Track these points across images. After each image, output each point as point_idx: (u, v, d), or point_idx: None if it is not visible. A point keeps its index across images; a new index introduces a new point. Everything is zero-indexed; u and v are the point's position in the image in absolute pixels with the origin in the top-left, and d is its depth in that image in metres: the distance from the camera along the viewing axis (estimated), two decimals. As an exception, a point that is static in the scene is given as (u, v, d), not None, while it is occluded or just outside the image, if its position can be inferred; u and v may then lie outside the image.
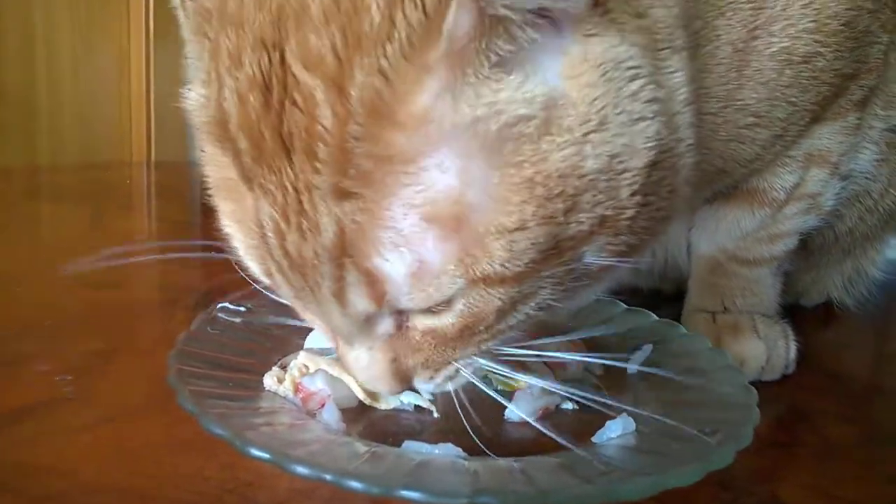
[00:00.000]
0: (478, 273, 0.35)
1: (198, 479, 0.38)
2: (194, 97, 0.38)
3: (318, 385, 0.44)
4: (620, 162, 0.36)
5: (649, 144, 0.37)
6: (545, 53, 0.34)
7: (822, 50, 0.48)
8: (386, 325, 0.39)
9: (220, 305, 0.51)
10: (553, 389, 0.45)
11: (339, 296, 0.36)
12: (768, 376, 0.55)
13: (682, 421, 0.42)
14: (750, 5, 0.46)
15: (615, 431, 0.42)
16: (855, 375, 0.63)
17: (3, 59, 1.81)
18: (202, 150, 0.41)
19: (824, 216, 0.59)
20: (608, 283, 0.44)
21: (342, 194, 0.34)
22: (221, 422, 0.37)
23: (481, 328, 0.38)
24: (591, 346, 0.52)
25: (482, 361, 0.41)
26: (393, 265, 0.35)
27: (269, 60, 0.34)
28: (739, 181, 0.55)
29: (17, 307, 0.63)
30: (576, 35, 0.35)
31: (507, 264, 0.35)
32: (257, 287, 0.45)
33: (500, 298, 0.36)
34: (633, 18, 0.37)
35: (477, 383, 0.42)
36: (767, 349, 0.55)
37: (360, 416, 0.44)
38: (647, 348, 0.51)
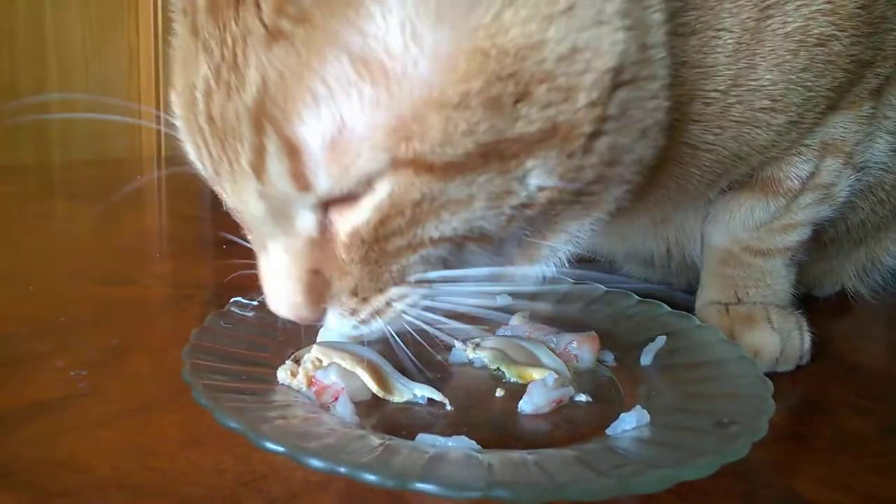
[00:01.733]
0: (406, 151, 0.32)
1: (213, 474, 0.38)
2: None
3: (331, 378, 0.44)
4: (583, 58, 0.33)
5: (615, 49, 0.35)
6: None
7: (837, 33, 0.48)
8: (307, 220, 0.35)
9: (233, 300, 0.51)
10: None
11: (258, 168, 0.33)
12: (783, 367, 0.55)
13: (696, 413, 0.42)
14: None
15: (629, 424, 0.41)
16: (871, 366, 0.63)
17: (15, 59, 1.82)
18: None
19: (838, 207, 0.58)
20: (562, 240, 0.41)
21: (276, 35, 0.31)
22: (236, 415, 0.37)
23: (398, 228, 0.34)
24: (604, 338, 0.52)
25: (416, 306, 0.37)
26: (311, 129, 0.32)
27: None
28: (755, 168, 0.54)
29: (31, 304, 0.63)
30: None
31: (438, 148, 0.32)
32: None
33: (421, 191, 0.33)
34: None
35: (423, 326, 0.38)
36: (782, 340, 0.55)
37: (373, 409, 0.44)
38: (661, 340, 0.51)
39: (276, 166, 0.33)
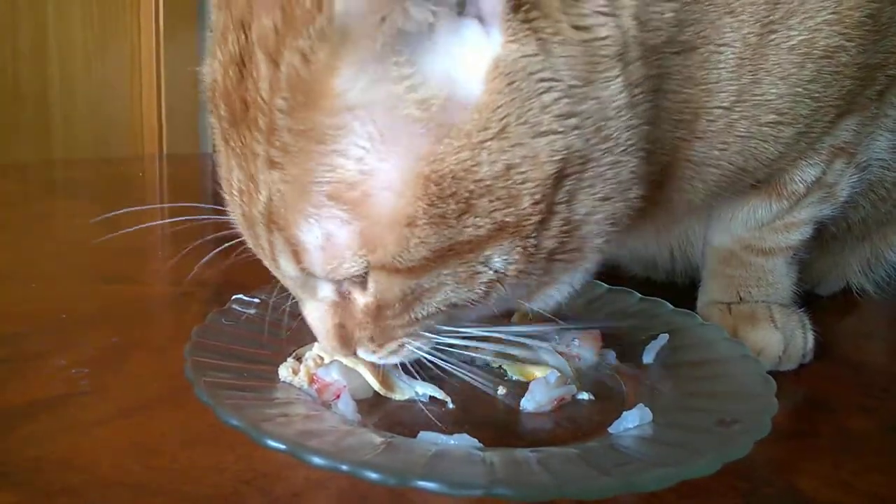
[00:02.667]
0: (376, 259, 0.37)
1: (214, 472, 0.38)
2: (205, 68, 0.41)
3: (333, 376, 0.44)
4: (520, 172, 0.36)
5: (555, 157, 0.37)
6: (465, 50, 0.35)
7: (845, 43, 0.47)
8: (326, 290, 0.42)
9: (234, 297, 0.51)
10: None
11: (274, 258, 0.40)
12: (786, 366, 0.55)
13: (699, 411, 0.42)
14: (764, 1, 0.45)
15: (632, 422, 0.41)
16: (874, 365, 0.63)
17: (17, 58, 1.83)
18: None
19: (839, 205, 0.58)
20: (557, 289, 0.44)
21: (271, 164, 0.37)
22: (237, 413, 0.37)
23: (394, 313, 0.40)
24: (607, 336, 0.52)
25: (438, 338, 0.43)
26: (307, 236, 0.37)
27: (245, 38, 0.37)
28: (761, 180, 0.54)
29: (33, 302, 0.63)
30: (499, 38, 0.35)
31: (398, 257, 0.37)
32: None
33: (400, 288, 0.38)
34: (568, 30, 0.37)
35: (426, 357, 0.43)
36: (785, 339, 0.54)
37: (375, 406, 0.44)
38: (663, 338, 0.51)
39: (285, 258, 0.39)
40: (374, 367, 0.45)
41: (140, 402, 0.46)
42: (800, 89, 0.47)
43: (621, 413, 0.42)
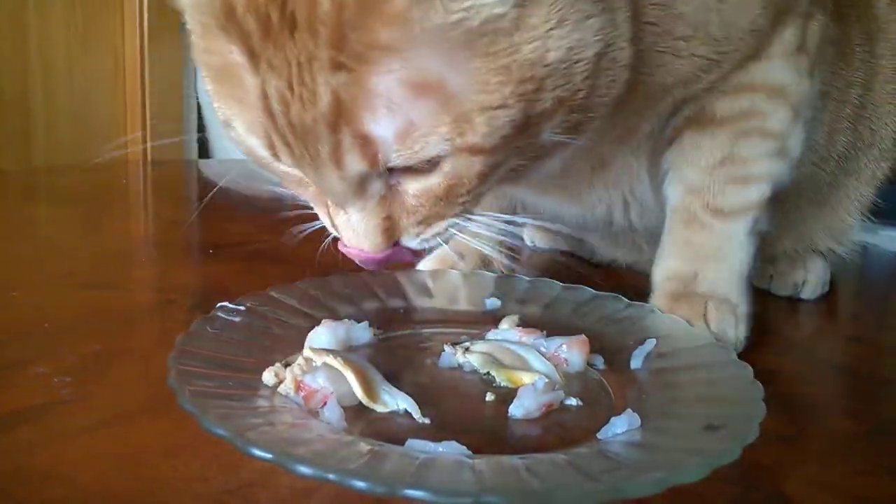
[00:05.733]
0: (463, 143, 0.41)
1: (198, 482, 0.38)
2: None
3: (319, 383, 0.43)
4: (576, 53, 0.43)
5: (597, 38, 0.44)
6: None
7: None
8: (377, 185, 0.44)
9: (219, 305, 0.51)
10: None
11: (336, 159, 0.41)
12: None
13: (686, 416, 0.42)
14: None
15: (620, 427, 0.41)
16: (859, 368, 0.63)
17: (-3, 62, 1.81)
18: (197, 42, 0.44)
19: (793, 166, 0.60)
20: (557, 160, 0.50)
21: (337, 66, 0.39)
22: (222, 422, 0.36)
23: (464, 190, 0.45)
24: (594, 341, 0.52)
25: (481, 218, 0.49)
26: (383, 127, 0.40)
27: None
28: (678, 104, 0.57)
29: (14, 310, 0.62)
30: None
31: (487, 137, 0.42)
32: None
33: (480, 164, 0.43)
34: None
35: (468, 240, 0.50)
36: (717, 333, 0.55)
37: (362, 414, 0.44)
38: (651, 343, 0.51)
39: (354, 157, 0.41)
40: (361, 375, 0.44)
41: (123, 411, 0.45)
42: (710, 4, 0.52)
43: (610, 419, 0.42)
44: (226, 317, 0.50)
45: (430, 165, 0.43)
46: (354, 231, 0.46)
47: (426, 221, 0.46)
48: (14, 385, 0.48)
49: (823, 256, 0.78)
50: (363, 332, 0.53)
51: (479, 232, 0.50)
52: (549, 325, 0.55)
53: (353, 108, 0.40)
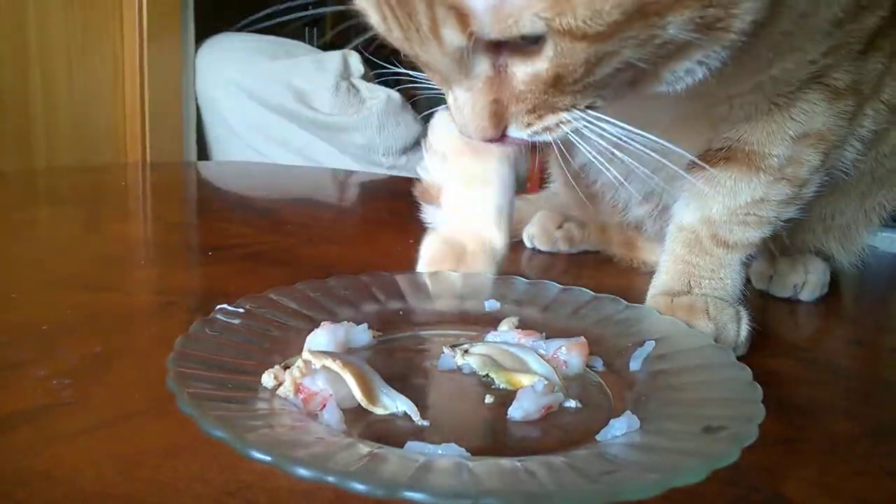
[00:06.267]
0: (562, 25, 0.38)
1: (197, 483, 0.38)
2: None
3: (319, 385, 0.43)
4: None
5: None
6: None
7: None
8: (483, 65, 0.43)
9: (218, 307, 0.51)
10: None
11: (435, 32, 0.41)
12: None
13: (686, 418, 0.42)
14: None
15: (619, 429, 0.41)
16: (858, 370, 0.63)
17: (-2, 64, 1.81)
18: None
19: (801, 208, 0.62)
20: (690, 67, 0.46)
21: None
22: (221, 424, 0.36)
23: (573, 79, 0.42)
24: (593, 343, 0.52)
25: (594, 119, 0.45)
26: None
27: None
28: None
29: (13, 311, 0.62)
30: None
31: (589, 21, 0.38)
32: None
33: (585, 52, 0.40)
34: None
35: (576, 138, 0.46)
36: (716, 330, 0.56)
37: (361, 416, 0.44)
38: (650, 345, 0.51)
39: (450, 28, 0.40)
40: (360, 378, 0.44)
41: (122, 412, 0.45)
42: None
43: (609, 421, 0.42)
44: (225, 319, 0.50)
45: (537, 48, 0.41)
46: (461, 112, 0.45)
47: (536, 111, 0.44)
48: (13, 386, 0.48)
49: (825, 258, 0.78)
50: (362, 335, 0.53)
51: (585, 143, 0.47)
52: (548, 327, 0.55)
53: None
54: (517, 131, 0.45)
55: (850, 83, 0.57)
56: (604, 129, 0.46)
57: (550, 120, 0.45)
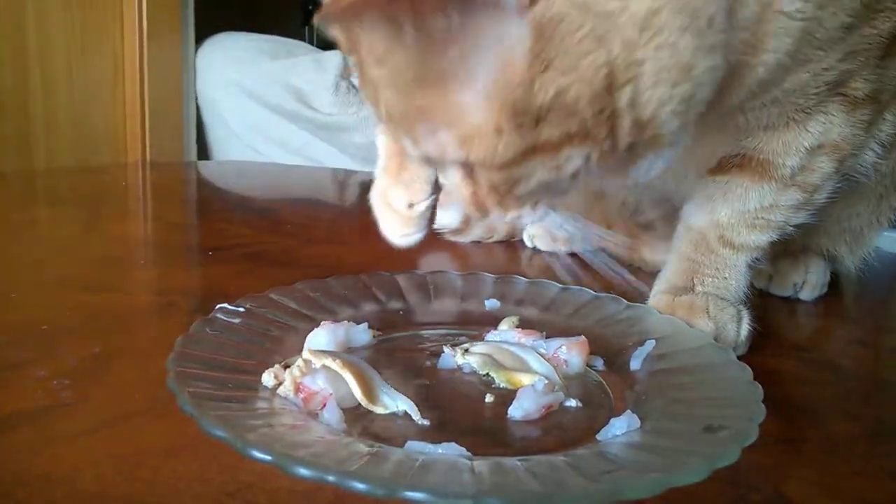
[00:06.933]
0: (474, 157, 0.45)
1: (197, 483, 0.38)
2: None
3: (319, 384, 0.43)
4: (571, 94, 0.42)
5: (600, 73, 0.42)
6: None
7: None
8: (458, 171, 0.48)
9: (218, 307, 0.51)
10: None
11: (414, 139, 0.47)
12: None
13: (686, 417, 0.42)
14: None
15: (620, 429, 0.41)
16: (859, 370, 0.63)
17: (-3, 65, 1.81)
18: None
19: (812, 213, 0.61)
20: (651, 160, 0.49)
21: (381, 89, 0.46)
22: (221, 424, 0.36)
23: (505, 191, 0.47)
24: (593, 342, 0.52)
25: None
26: (421, 133, 0.46)
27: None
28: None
29: (13, 312, 0.62)
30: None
31: (489, 157, 0.44)
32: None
33: (499, 175, 0.46)
34: None
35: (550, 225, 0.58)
36: (716, 329, 0.56)
37: (362, 415, 0.44)
38: (650, 344, 0.51)
39: (407, 141, 0.48)
40: (360, 377, 0.44)
41: (123, 412, 0.45)
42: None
43: (609, 420, 0.42)
44: (225, 318, 0.50)
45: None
46: (455, 192, 0.51)
47: (503, 205, 0.50)
48: (13, 387, 0.48)
49: (825, 258, 0.78)
50: (362, 334, 0.53)
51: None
52: (549, 326, 0.55)
53: (398, 118, 0.46)
54: (500, 217, 0.52)
55: (869, 92, 0.56)
56: (558, 224, 0.57)
57: (522, 210, 0.51)
